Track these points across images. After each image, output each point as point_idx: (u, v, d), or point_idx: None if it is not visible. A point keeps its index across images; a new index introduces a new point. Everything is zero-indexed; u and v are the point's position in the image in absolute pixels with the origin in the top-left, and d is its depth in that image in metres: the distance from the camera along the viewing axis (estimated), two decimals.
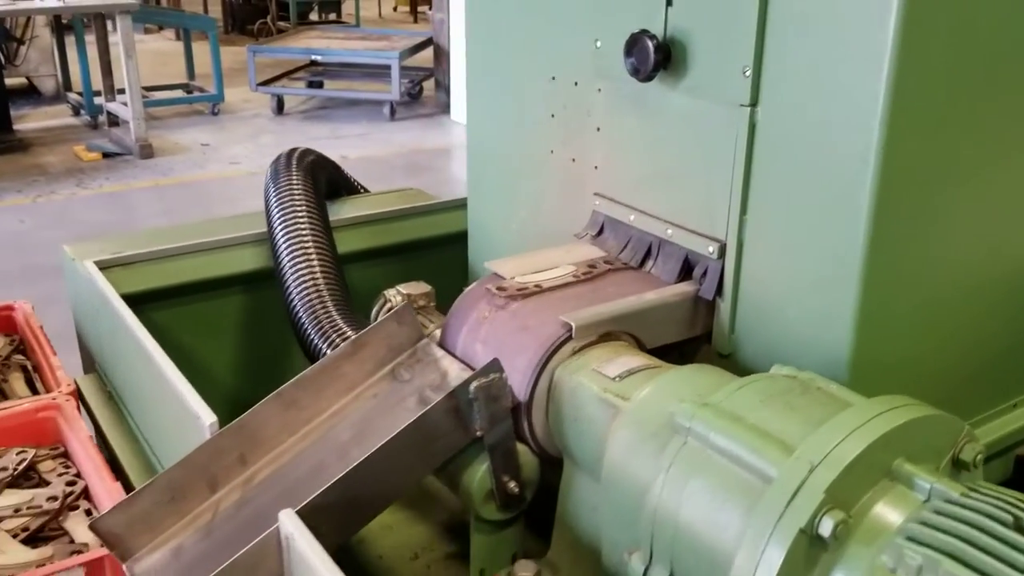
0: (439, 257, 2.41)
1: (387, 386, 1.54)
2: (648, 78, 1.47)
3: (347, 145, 9.47)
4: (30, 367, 2.23)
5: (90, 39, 9.35)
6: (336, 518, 1.27)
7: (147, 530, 1.42)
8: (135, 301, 1.93)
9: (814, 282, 1.37)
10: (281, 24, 15.50)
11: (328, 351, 1.82)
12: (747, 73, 1.36)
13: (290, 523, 1.21)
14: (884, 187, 1.25)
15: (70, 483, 1.82)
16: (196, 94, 10.96)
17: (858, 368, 1.33)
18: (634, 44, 1.47)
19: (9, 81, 9.93)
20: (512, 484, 1.42)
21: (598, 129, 1.68)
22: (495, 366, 1.36)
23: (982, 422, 1.59)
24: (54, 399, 2.01)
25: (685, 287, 1.53)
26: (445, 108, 10.97)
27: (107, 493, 1.75)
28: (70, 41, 9.98)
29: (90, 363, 2.27)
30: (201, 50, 11.82)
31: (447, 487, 1.49)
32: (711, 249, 1.49)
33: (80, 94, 9.91)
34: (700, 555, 1.09)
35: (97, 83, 9.47)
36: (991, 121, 1.39)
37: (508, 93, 1.89)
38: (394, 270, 2.27)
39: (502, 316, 1.49)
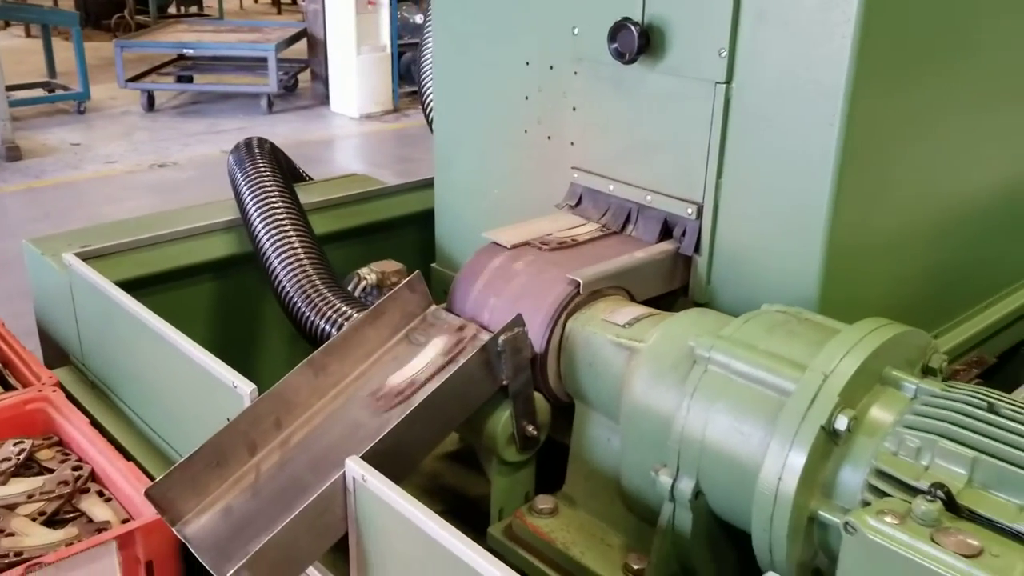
0: (399, 237, 2.54)
1: (405, 349, 1.67)
2: (631, 61, 1.65)
3: (228, 140, 9.27)
4: (3, 365, 2.22)
5: None
6: (390, 464, 1.39)
7: (194, 494, 1.51)
8: None
9: (784, 234, 1.58)
10: (139, 18, 14.93)
11: (325, 326, 1.94)
12: (723, 54, 1.56)
13: (359, 467, 1.34)
14: (846, 149, 1.48)
15: (75, 468, 1.86)
16: (60, 92, 10.49)
17: (826, 306, 1.56)
18: (618, 31, 1.65)
19: None
20: (531, 428, 1.58)
21: (574, 109, 1.85)
22: (519, 321, 1.52)
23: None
24: (40, 391, 2.04)
25: (667, 246, 1.72)
26: (324, 99, 10.89)
27: (120, 473, 1.81)
28: None
29: (57, 358, 2.28)
30: (58, 47, 11.30)
31: (468, 436, 1.64)
32: (690, 211, 1.69)
33: None
34: (726, 464, 1.29)
35: None
36: (942, 84, 1.65)
37: (480, 78, 2.04)
38: (357, 251, 2.39)
39: (512, 277, 1.65)
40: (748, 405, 1.27)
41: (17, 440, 1.92)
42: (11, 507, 1.75)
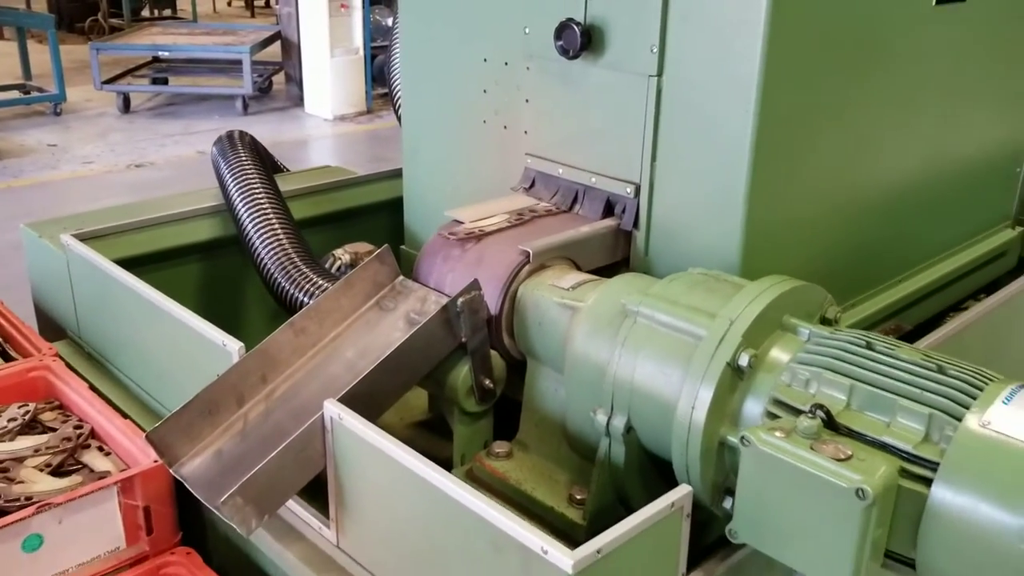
0: (370, 222, 2.74)
1: (376, 314, 1.87)
2: (575, 57, 1.87)
3: (203, 141, 9.42)
4: (0, 340, 2.40)
5: None
6: (362, 407, 1.59)
7: (189, 440, 1.70)
8: None
9: (710, 210, 1.80)
10: (113, 22, 14.97)
11: (304, 298, 2.13)
12: (654, 50, 1.78)
13: (335, 408, 1.54)
14: (760, 135, 1.69)
15: (76, 427, 2.04)
16: (35, 94, 10.58)
17: (747, 275, 1.77)
18: (563, 30, 1.87)
19: None
20: (487, 381, 1.78)
21: (527, 100, 2.07)
22: (475, 285, 1.73)
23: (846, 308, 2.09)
24: (41, 360, 2.22)
25: (609, 222, 1.94)
26: (298, 101, 11.04)
27: (118, 429, 2.00)
28: None
29: (54, 335, 2.46)
30: (31, 49, 11.36)
31: (433, 389, 1.84)
32: (628, 190, 1.90)
33: None
34: (651, 402, 1.50)
35: None
36: (850, 79, 1.87)
37: (443, 75, 2.25)
38: (332, 236, 2.58)
39: (470, 250, 1.86)
40: (669, 350, 1.49)
41: (21, 404, 2.10)
42: (19, 460, 1.93)
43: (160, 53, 10.85)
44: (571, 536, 1.56)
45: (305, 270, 2.18)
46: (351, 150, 9.48)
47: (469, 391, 1.77)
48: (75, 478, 1.90)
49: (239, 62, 10.31)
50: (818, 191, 1.93)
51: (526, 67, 2.05)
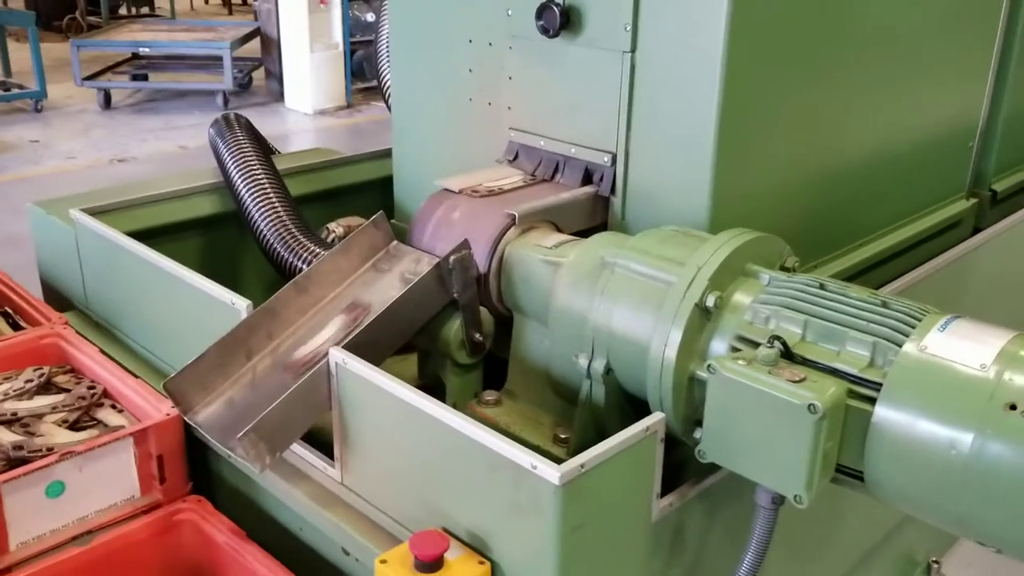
0: (361, 200, 2.87)
1: (372, 275, 2.01)
2: (555, 36, 2.02)
3: (184, 136, 9.52)
4: (11, 312, 2.52)
5: None
6: (363, 354, 1.73)
7: (202, 389, 1.84)
8: None
9: (680, 176, 1.95)
10: (91, 19, 14.98)
11: (301, 265, 2.27)
12: (627, 28, 1.93)
13: (340, 353, 1.68)
14: (725, 106, 1.84)
15: (90, 387, 2.17)
16: (16, 91, 10.62)
17: (714, 231, 1.92)
18: (544, 10, 2.01)
19: None
20: (477, 335, 1.93)
21: (510, 78, 2.21)
22: (465, 244, 1.87)
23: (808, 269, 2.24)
24: (52, 328, 2.34)
25: (589, 189, 2.08)
26: (278, 96, 11.14)
27: (130, 388, 2.13)
28: None
29: (61, 306, 2.57)
30: (11, 47, 11.37)
31: (427, 344, 1.98)
32: (606, 159, 2.05)
33: None
34: (628, 344, 1.65)
35: None
36: (812, 52, 2.02)
37: (430, 56, 2.39)
38: (325, 212, 2.71)
39: (461, 213, 2.00)
40: (643, 296, 1.64)
41: (36, 368, 2.22)
42: (38, 416, 2.05)
43: (140, 50, 10.92)
44: None
45: (303, 239, 2.32)
46: (332, 143, 9.58)
47: (461, 344, 1.91)
48: (91, 432, 2.03)
49: (219, 58, 10.40)
50: (781, 158, 2.08)
51: (509, 47, 2.19)
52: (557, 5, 2.00)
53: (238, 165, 2.52)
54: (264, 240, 2.36)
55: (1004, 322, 1.47)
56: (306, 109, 10.44)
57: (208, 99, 10.53)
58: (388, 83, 2.73)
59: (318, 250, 2.27)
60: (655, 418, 1.50)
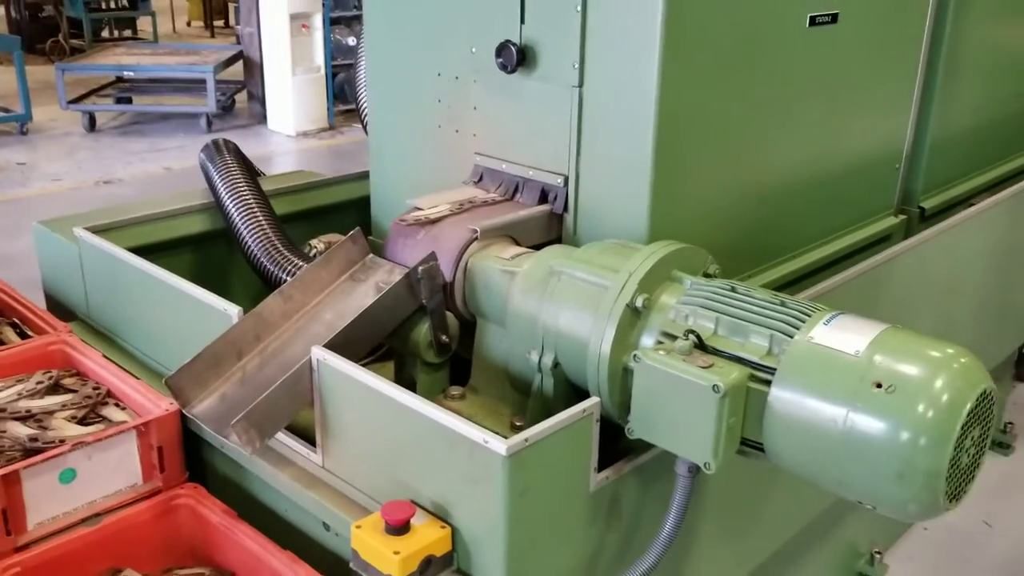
0: (341, 219, 3.12)
1: (350, 285, 2.26)
2: (512, 71, 2.28)
3: (169, 157, 9.73)
4: (19, 322, 2.74)
5: None
6: (342, 354, 1.97)
7: (198, 386, 2.08)
8: None
9: (622, 196, 2.21)
10: (74, 42, 15.14)
11: (286, 277, 2.51)
12: (575, 66, 2.19)
13: (320, 352, 1.92)
14: (660, 133, 2.10)
15: (95, 387, 2.40)
16: (1, 114, 10.79)
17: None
18: (502, 49, 2.28)
19: None
20: (444, 337, 2.18)
21: (475, 108, 2.47)
22: (432, 256, 2.12)
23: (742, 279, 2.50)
24: (58, 336, 2.57)
25: (544, 207, 2.34)
26: (261, 119, 11.36)
27: (132, 388, 2.36)
28: None
29: (64, 317, 2.80)
30: None
31: (399, 345, 2.22)
32: (559, 181, 2.31)
33: None
34: (572, 340, 1.90)
35: None
36: (738, 86, 2.29)
37: (403, 87, 2.65)
38: (307, 231, 2.96)
39: (428, 231, 2.25)
40: (584, 299, 1.89)
41: (45, 371, 2.45)
42: (49, 413, 2.28)
43: (125, 73, 11.11)
44: None
45: (287, 254, 2.57)
46: (314, 165, 9.82)
47: (429, 345, 2.16)
48: (98, 426, 2.26)
49: (203, 81, 10.60)
50: (714, 179, 2.35)
51: (473, 80, 2.45)
52: (514, 45, 2.27)
53: (227, 187, 2.76)
54: (252, 255, 2.61)
55: (922, 326, 1.74)
56: (288, 131, 10.68)
57: (192, 121, 10.75)
58: (366, 108, 2.98)
59: (301, 263, 2.52)
60: (591, 402, 1.75)
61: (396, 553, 1.64)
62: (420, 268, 2.10)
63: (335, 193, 3.18)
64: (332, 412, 1.95)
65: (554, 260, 1.99)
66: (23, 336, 2.69)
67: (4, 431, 2.20)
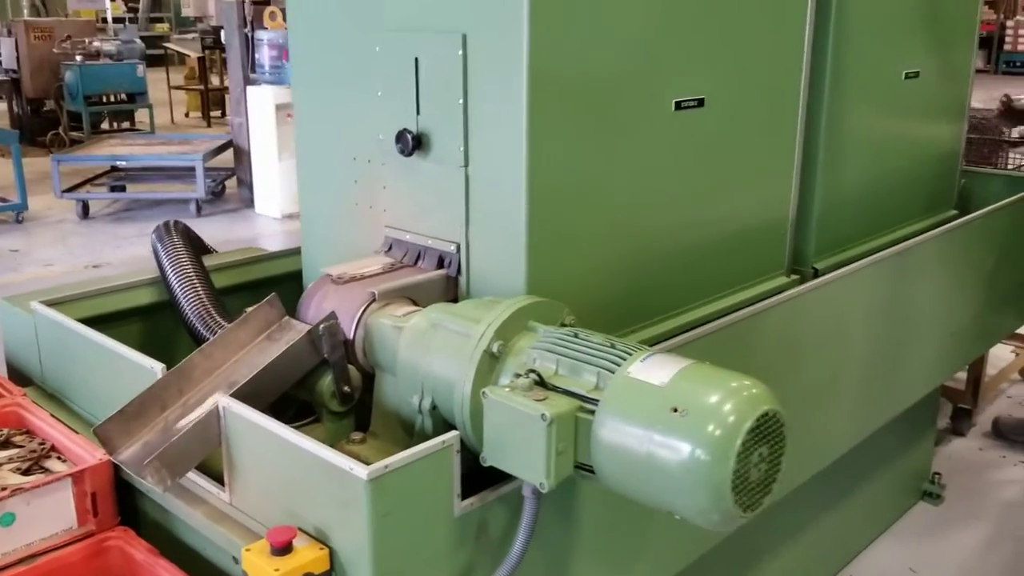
0: (278, 289, 3.40)
1: (266, 343, 2.55)
2: (410, 155, 2.61)
3: None
4: None
5: None
6: (249, 401, 2.25)
7: (125, 434, 2.34)
8: None
9: (504, 260, 2.50)
10: (73, 134, 15.68)
11: None
12: (461, 149, 2.52)
13: (224, 399, 2.20)
14: (532, 207, 2.41)
15: (40, 443, 2.67)
16: None
17: None
18: (400, 136, 2.61)
19: None
20: (346, 387, 2.45)
21: (384, 187, 2.79)
22: (333, 316, 2.42)
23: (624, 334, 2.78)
24: (13, 399, 2.85)
25: (441, 272, 2.64)
26: (249, 203, 11.78)
27: (73, 443, 2.63)
28: None
29: (22, 382, 3.08)
30: None
31: (307, 396, 2.49)
32: (453, 248, 2.62)
33: None
34: (444, 384, 2.17)
35: None
36: (607, 162, 2.60)
37: (326, 169, 2.98)
38: (248, 300, 3.25)
39: (335, 293, 2.55)
40: (453, 347, 2.18)
41: None
42: None
43: (118, 163, 11.57)
44: None
45: (220, 320, 2.86)
46: (298, 243, 10.19)
47: (332, 395, 2.44)
48: (39, 477, 2.52)
49: (193, 169, 11.05)
50: (589, 244, 2.64)
51: (382, 163, 2.78)
52: (411, 133, 2.60)
53: (171, 262, 3.07)
54: (189, 322, 2.90)
55: (804, 376, 1.94)
56: (275, 214, 11.09)
57: (182, 207, 11.17)
58: None
59: None
60: (451, 435, 2.02)
61: (276, 570, 1.89)
62: (321, 326, 2.39)
63: (274, 267, 3.49)
64: (236, 453, 2.21)
65: (434, 315, 2.28)
66: None
67: None
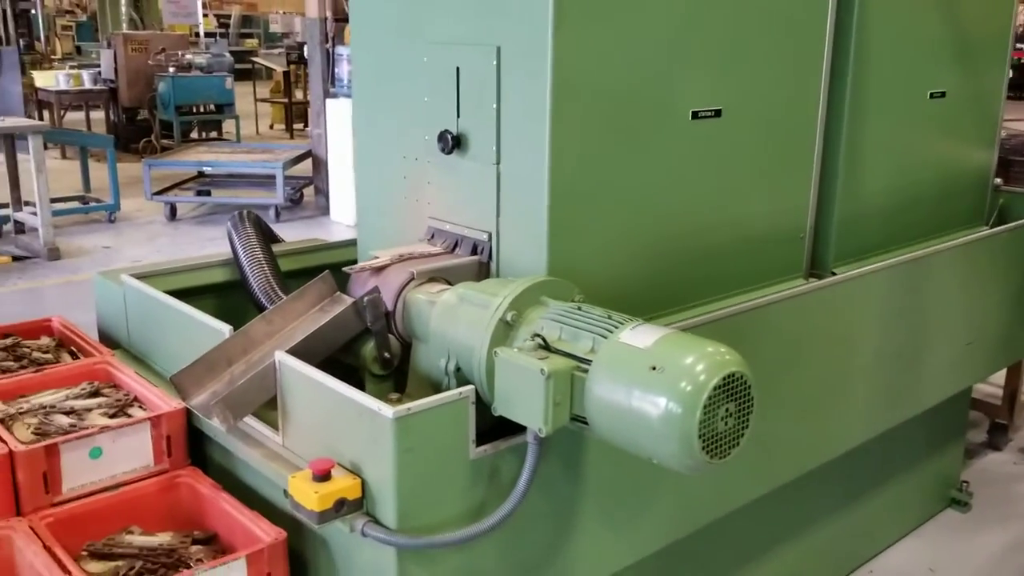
0: (334, 274, 3.80)
1: (319, 314, 2.92)
2: (450, 153, 2.96)
3: None
4: (75, 351, 3.47)
5: None
6: (301, 357, 2.61)
7: (196, 384, 2.74)
8: None
9: (529, 248, 2.82)
10: (164, 142, 16.52)
11: None
12: (493, 148, 2.86)
13: (282, 355, 2.57)
14: (553, 200, 2.73)
15: (125, 394, 3.09)
16: (93, 204, 11.93)
17: None
18: (442, 136, 2.96)
19: None
20: (387, 354, 2.81)
21: (429, 183, 3.15)
22: (376, 290, 2.78)
23: None
24: (102, 358, 3.28)
25: (473, 257, 2.98)
26: (325, 210, 12.33)
27: (153, 395, 3.04)
28: None
29: (111, 345, 3.52)
30: (92, 167, 12.85)
31: (352, 360, 2.85)
32: (485, 236, 2.95)
33: None
34: (466, 348, 2.50)
35: (3, 196, 10.48)
36: (625, 164, 2.91)
37: (380, 167, 3.35)
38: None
39: (380, 274, 2.91)
40: (475, 317, 2.51)
41: (89, 382, 3.15)
42: (88, 410, 2.96)
43: (204, 168, 12.25)
44: None
45: (281, 295, 3.25)
46: None
47: (374, 359, 2.79)
48: (125, 419, 2.94)
49: (274, 177, 11.64)
50: (607, 238, 2.95)
51: (428, 161, 3.14)
52: (451, 133, 2.96)
53: (244, 246, 3.48)
54: (256, 298, 3.30)
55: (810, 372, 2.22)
56: (348, 221, 11.59)
57: (263, 212, 11.73)
58: None
59: None
60: (468, 388, 2.35)
61: (316, 492, 2.24)
62: (365, 298, 2.75)
63: (333, 255, 3.87)
64: (289, 400, 2.58)
65: (461, 290, 2.62)
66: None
67: (52, 421, 2.89)
